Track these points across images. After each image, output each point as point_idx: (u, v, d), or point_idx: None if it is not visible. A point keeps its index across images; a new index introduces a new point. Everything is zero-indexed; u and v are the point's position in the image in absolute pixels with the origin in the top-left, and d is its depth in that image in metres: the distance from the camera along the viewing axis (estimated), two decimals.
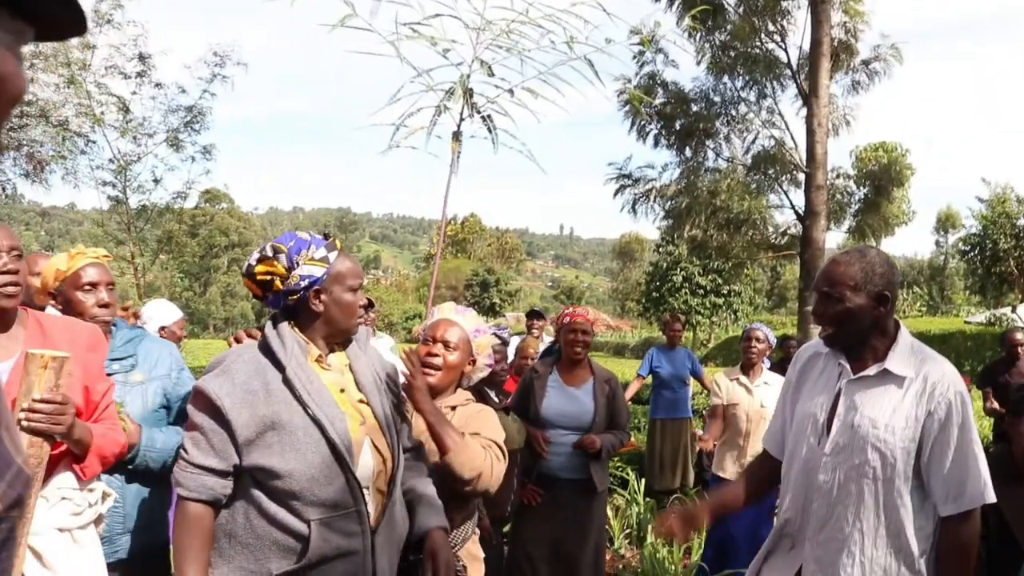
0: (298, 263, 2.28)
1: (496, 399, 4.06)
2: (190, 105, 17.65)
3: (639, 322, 56.71)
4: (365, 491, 2.30)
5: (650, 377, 8.57)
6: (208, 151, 18.10)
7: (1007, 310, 26.87)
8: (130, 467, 2.78)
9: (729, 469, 5.56)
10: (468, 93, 6.66)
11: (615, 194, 16.36)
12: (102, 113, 16.64)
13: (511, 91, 6.66)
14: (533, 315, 8.71)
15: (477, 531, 3.08)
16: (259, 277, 2.31)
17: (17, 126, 15.73)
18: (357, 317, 2.42)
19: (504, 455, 2.85)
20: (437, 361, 2.92)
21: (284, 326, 2.33)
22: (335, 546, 2.20)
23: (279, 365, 2.24)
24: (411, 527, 2.50)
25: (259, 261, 2.32)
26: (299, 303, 2.33)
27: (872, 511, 2.47)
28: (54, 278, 2.88)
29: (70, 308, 2.86)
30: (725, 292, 44.83)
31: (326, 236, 2.40)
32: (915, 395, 2.48)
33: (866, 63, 15.80)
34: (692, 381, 8.57)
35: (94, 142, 17.17)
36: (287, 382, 2.22)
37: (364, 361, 2.49)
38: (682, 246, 32.29)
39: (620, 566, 6.12)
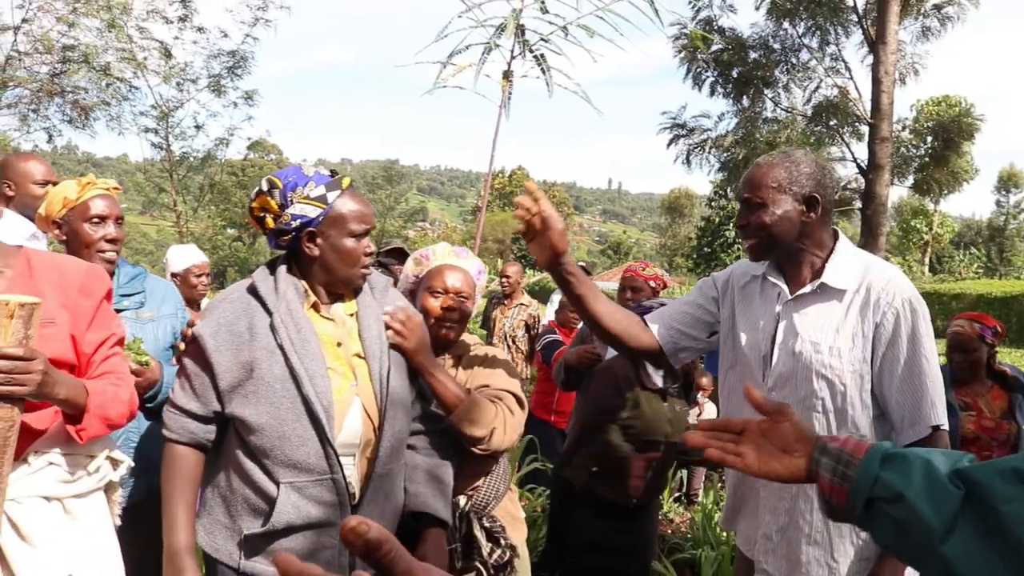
0: (292, 200, 2.07)
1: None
2: (232, 50, 17.47)
3: (688, 278, 56.05)
4: (348, 459, 2.10)
5: None
6: (250, 96, 17.95)
7: None
8: (150, 405, 2.67)
9: None
10: (520, 30, 6.29)
11: (668, 144, 15.91)
12: (144, 58, 16.49)
13: (565, 29, 6.26)
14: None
15: (514, 489, 2.85)
16: (255, 213, 2.15)
17: (60, 71, 15.65)
18: (360, 265, 2.17)
19: (522, 404, 2.58)
20: (456, 316, 2.63)
21: (282, 268, 2.17)
22: (304, 514, 2.01)
23: (267, 309, 2.07)
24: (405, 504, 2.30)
25: (256, 195, 2.14)
26: (293, 245, 2.14)
27: None
28: (61, 205, 2.70)
29: (75, 240, 2.71)
30: None
31: (333, 173, 2.16)
32: (859, 309, 2.19)
33: (938, 7, 15.00)
34: None
35: (137, 88, 17.09)
36: (273, 328, 2.04)
37: (374, 312, 2.24)
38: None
39: (669, 531, 5.79)
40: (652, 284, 4.19)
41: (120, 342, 2.26)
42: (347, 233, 2.11)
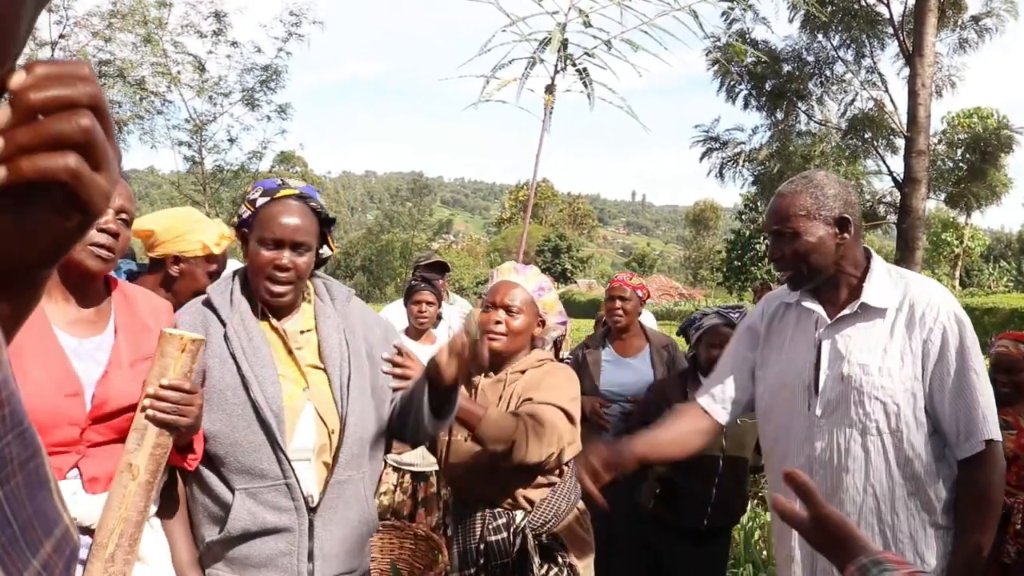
0: (243, 204, 2.19)
1: None
2: (266, 64, 17.64)
3: (715, 291, 55.72)
4: (303, 463, 2.10)
5: None
6: (284, 110, 18.11)
7: None
8: None
9: None
10: (564, 44, 6.25)
11: (701, 158, 15.80)
12: (178, 72, 16.69)
13: (608, 43, 6.21)
14: None
15: (582, 506, 2.81)
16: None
17: None
18: (264, 277, 2.10)
19: (572, 419, 2.59)
20: (500, 328, 2.71)
21: (240, 277, 2.22)
22: (260, 520, 2.03)
23: (221, 319, 2.13)
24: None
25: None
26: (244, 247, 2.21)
27: (883, 472, 2.15)
28: (200, 249, 2.82)
29: (187, 281, 2.81)
30: None
31: (283, 184, 2.17)
32: (904, 326, 2.17)
33: (976, 19, 14.80)
34: None
35: (170, 102, 17.35)
36: (226, 337, 2.10)
37: (333, 323, 2.25)
38: None
39: None
40: (639, 293, 4.48)
41: None
42: (257, 239, 2.10)
